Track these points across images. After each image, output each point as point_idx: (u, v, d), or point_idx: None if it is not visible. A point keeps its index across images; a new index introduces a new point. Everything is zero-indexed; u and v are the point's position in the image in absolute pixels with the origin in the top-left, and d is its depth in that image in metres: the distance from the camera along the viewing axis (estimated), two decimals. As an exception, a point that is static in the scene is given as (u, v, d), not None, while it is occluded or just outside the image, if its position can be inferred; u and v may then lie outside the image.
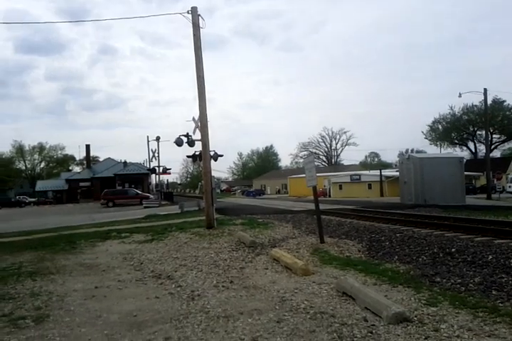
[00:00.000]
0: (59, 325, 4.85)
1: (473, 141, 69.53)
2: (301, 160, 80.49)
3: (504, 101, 62.97)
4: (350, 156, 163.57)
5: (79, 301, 5.82)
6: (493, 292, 5.51)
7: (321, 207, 13.57)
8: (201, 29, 13.94)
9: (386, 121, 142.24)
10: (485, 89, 34.48)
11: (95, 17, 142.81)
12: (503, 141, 68.31)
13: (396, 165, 51.83)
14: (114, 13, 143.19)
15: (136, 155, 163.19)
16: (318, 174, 12.60)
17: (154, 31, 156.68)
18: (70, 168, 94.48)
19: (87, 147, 71.58)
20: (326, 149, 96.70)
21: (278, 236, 11.46)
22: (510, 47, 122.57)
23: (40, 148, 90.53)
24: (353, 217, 16.46)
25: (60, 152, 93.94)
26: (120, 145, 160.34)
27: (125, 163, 60.84)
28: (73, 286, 6.73)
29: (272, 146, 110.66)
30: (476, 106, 63.62)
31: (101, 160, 78.77)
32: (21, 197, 62.76)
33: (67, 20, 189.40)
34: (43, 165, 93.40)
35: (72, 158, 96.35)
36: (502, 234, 9.88)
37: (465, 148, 71.27)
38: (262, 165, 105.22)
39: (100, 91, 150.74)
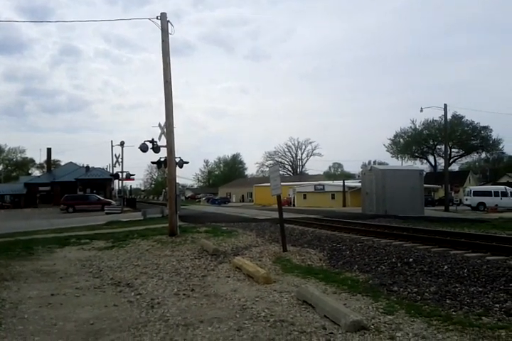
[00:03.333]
0: (11, 333, 4.68)
1: (433, 154, 71.72)
2: (267, 169, 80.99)
3: (463, 116, 65.43)
4: (314, 166, 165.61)
5: (34, 309, 5.64)
6: (447, 301, 5.68)
7: (285, 215, 13.70)
8: (170, 35, 13.93)
9: (350, 133, 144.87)
10: (445, 105, 35.80)
11: (58, 17, 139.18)
12: (461, 156, 70.81)
13: (359, 176, 52.79)
14: (78, 13, 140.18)
15: (99, 159, 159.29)
16: (283, 183, 12.73)
17: (119, 34, 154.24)
18: (30, 171, 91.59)
19: (48, 150, 69.40)
20: (292, 159, 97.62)
21: (241, 245, 11.46)
22: (471, 63, 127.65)
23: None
24: (315, 226, 16.65)
25: (19, 155, 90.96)
26: (83, 150, 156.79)
27: (87, 167, 59.36)
28: (28, 293, 6.52)
29: (238, 154, 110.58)
30: (436, 121, 65.82)
31: (62, 164, 76.54)
32: (-24, 200, 60.25)
33: (31, 20, 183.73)
34: (0, 168, 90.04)
35: (32, 161, 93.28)
36: (457, 245, 10.22)
37: (425, 161, 73.43)
38: (228, 173, 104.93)
39: (62, 93, 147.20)
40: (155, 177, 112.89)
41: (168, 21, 13.81)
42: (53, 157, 74.13)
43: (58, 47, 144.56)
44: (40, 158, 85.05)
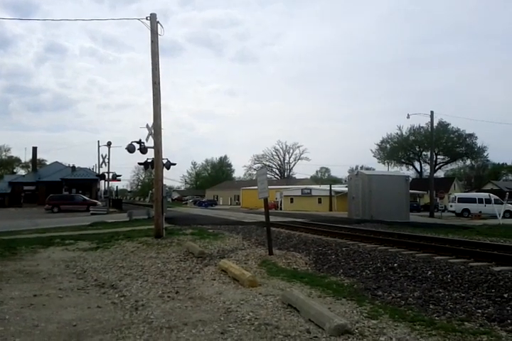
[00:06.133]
0: (-9, 334, 4.61)
1: (419, 160, 72.53)
2: (255, 172, 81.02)
3: (449, 124, 66.32)
4: (302, 170, 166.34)
5: (15, 310, 5.56)
6: (431, 306, 5.73)
7: (272, 219, 13.68)
8: (159, 36, 13.88)
9: (338, 138, 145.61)
10: (431, 112, 36.15)
11: (44, 13, 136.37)
12: (447, 162, 71.73)
13: (346, 181, 53.09)
14: (64, 10, 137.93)
15: (85, 159, 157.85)
16: (270, 187, 12.74)
17: (106, 32, 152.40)
18: (15, 170, 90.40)
19: (34, 149, 68.46)
20: (279, 162, 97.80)
21: (227, 247, 11.43)
22: (457, 70, 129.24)
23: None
24: (302, 230, 16.69)
25: (4, 153, 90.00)
26: (69, 149, 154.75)
27: (73, 167, 58.82)
28: (10, 294, 6.42)
29: (226, 157, 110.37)
30: (422, 127, 66.71)
31: (48, 163, 75.66)
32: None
33: (19, 18, 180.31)
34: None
35: (18, 160, 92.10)
36: (441, 251, 10.33)
37: (411, 167, 74.23)
38: (215, 175, 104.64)
39: (47, 91, 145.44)
40: (142, 178, 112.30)
41: (158, 22, 13.76)
42: (38, 156, 73.34)
43: (43, 45, 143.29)
44: (26, 157, 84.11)
